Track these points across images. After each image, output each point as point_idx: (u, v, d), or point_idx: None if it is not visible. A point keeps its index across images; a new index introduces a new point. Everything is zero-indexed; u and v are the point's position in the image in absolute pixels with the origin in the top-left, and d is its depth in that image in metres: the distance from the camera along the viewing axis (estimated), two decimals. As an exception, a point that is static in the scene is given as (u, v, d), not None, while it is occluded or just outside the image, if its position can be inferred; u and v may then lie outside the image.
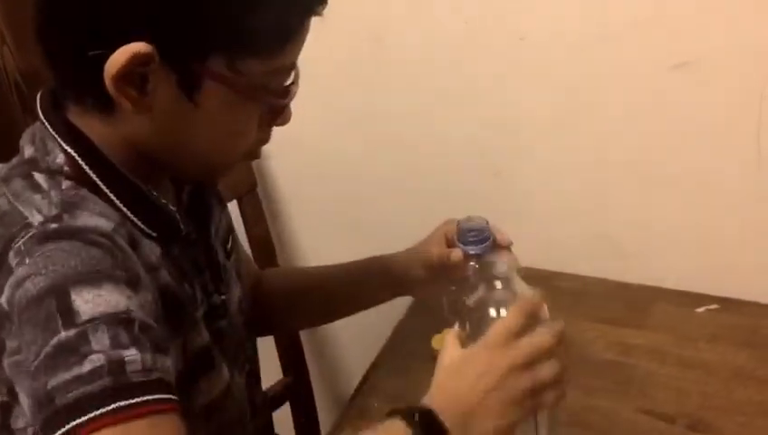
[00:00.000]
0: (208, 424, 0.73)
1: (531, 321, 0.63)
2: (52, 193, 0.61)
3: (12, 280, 0.56)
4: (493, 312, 0.67)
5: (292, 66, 0.65)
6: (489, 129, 1.10)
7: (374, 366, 1.00)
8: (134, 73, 0.57)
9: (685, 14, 0.93)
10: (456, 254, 0.78)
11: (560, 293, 1.08)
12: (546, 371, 0.62)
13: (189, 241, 0.71)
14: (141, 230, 0.65)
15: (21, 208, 0.60)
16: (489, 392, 0.61)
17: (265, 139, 0.69)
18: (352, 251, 1.32)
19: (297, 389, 1.29)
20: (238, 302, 0.81)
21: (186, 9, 0.57)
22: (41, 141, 0.64)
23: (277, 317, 0.97)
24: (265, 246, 1.26)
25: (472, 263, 0.79)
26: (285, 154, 1.26)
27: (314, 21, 0.63)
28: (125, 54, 0.56)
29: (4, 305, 0.56)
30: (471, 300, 0.71)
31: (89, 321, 0.53)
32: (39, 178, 0.62)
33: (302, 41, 0.63)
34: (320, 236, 1.35)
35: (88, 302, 0.54)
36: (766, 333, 0.95)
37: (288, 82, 0.65)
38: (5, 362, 0.57)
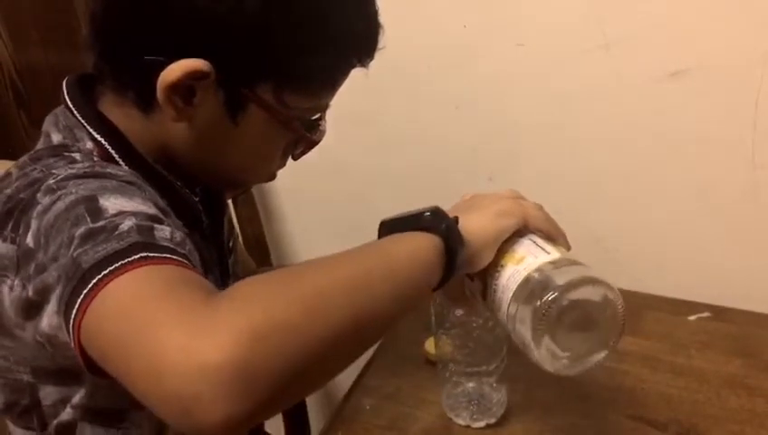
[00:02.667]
0: None
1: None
2: (86, 162, 0.61)
3: (40, 208, 0.55)
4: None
5: (327, 107, 0.69)
6: (485, 133, 1.11)
7: (367, 367, 1.00)
8: (185, 86, 0.59)
9: (680, 23, 0.94)
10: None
11: (553, 298, 1.08)
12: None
13: (206, 235, 0.72)
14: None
15: (54, 172, 0.59)
16: (488, 205, 0.66)
17: (283, 165, 0.73)
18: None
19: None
20: None
21: (253, 39, 0.59)
22: (67, 129, 0.64)
23: None
24: (259, 245, 1.26)
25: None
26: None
27: None
28: (184, 68, 0.57)
29: (29, 243, 0.54)
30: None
31: (117, 214, 0.52)
32: (72, 155, 0.62)
33: (341, 85, 0.68)
34: (314, 237, 1.35)
35: (116, 204, 0.53)
36: (758, 342, 0.95)
37: (317, 117, 0.69)
38: (31, 286, 0.53)
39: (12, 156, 0.68)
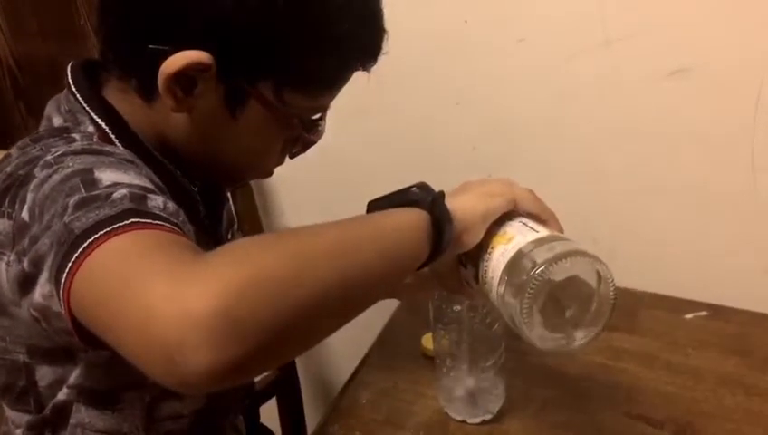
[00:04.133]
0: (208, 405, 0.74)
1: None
2: (85, 141, 0.61)
3: (36, 182, 0.55)
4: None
5: (327, 107, 0.69)
6: (484, 129, 1.10)
7: (363, 363, 1.00)
8: (186, 76, 0.59)
9: (681, 22, 0.94)
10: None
11: (550, 295, 1.08)
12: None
13: (203, 226, 0.71)
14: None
15: (53, 148, 0.59)
16: (477, 187, 0.66)
17: (281, 162, 0.73)
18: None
19: (285, 384, 1.29)
20: None
21: (256, 35, 0.58)
22: (69, 113, 0.64)
23: None
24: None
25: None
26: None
27: None
28: (185, 59, 0.57)
29: (24, 216, 0.54)
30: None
31: (112, 185, 0.52)
32: (72, 135, 0.62)
33: (342, 87, 0.68)
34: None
35: (111, 178, 0.53)
36: (755, 341, 0.96)
37: (317, 117, 0.68)
38: (26, 259, 0.53)
39: (10, 146, 0.68)
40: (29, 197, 0.54)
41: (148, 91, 0.62)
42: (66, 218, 0.49)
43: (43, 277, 0.51)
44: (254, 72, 0.61)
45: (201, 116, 0.63)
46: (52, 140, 0.61)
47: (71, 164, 0.55)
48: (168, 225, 0.50)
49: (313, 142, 0.72)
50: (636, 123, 1.01)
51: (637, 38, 0.96)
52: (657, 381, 0.91)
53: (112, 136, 0.63)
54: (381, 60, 1.18)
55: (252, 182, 1.25)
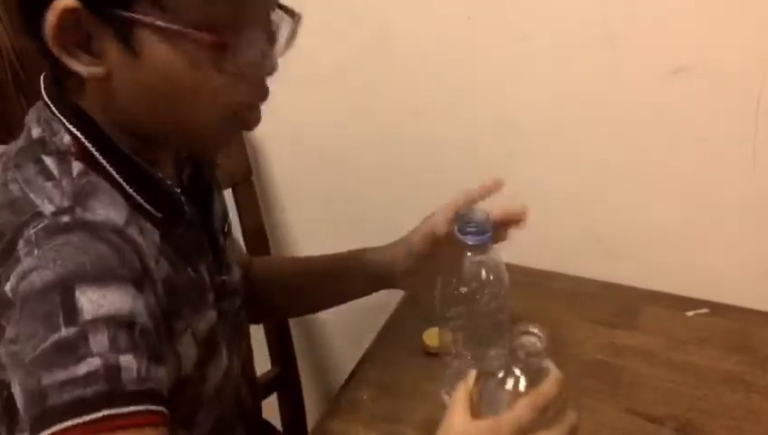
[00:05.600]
0: (214, 407, 0.74)
1: (542, 416, 0.63)
2: (64, 182, 0.61)
3: (19, 269, 0.56)
4: (510, 383, 0.67)
5: (243, 6, 0.59)
6: (486, 126, 1.10)
7: (364, 359, 1.00)
8: (73, 33, 0.56)
9: (684, 20, 0.93)
10: (440, 228, 0.81)
11: (552, 292, 1.08)
12: None
13: (192, 223, 0.71)
14: (147, 212, 0.65)
15: (32, 197, 0.60)
16: None
17: (248, 98, 0.64)
18: (345, 245, 1.32)
19: (285, 380, 1.29)
20: (238, 284, 0.82)
21: None
22: (45, 123, 0.64)
23: (261, 305, 0.95)
24: (258, 235, 1.26)
25: (469, 254, 0.80)
26: (282, 144, 1.26)
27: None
28: (54, 13, 0.55)
29: (8, 293, 0.56)
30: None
31: (90, 321, 0.53)
32: (49, 162, 0.62)
33: None
34: (313, 229, 1.35)
35: (92, 301, 0.54)
36: (756, 338, 0.96)
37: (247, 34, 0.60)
38: (2, 348, 0.56)
39: (10, 140, 0.68)
40: (12, 279, 0.56)
41: (69, 73, 0.60)
42: (41, 371, 0.52)
43: (15, 394, 0.54)
44: None
45: (118, 74, 0.59)
46: (32, 172, 0.61)
47: (51, 265, 0.55)
48: (142, 410, 0.52)
49: (262, 72, 0.63)
50: (637, 121, 1.01)
51: (639, 36, 0.96)
52: (657, 379, 0.91)
53: (88, 145, 0.62)
54: (382, 57, 1.18)
55: (254, 176, 1.25)
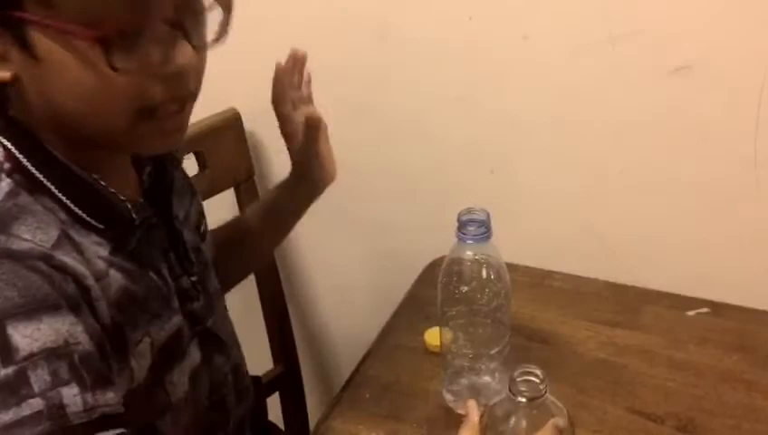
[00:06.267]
0: (182, 414, 0.72)
1: None
2: None
3: None
4: (511, 426, 0.68)
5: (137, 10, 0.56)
6: (487, 125, 1.11)
7: (366, 358, 1.00)
8: None
9: (685, 19, 0.94)
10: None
11: (552, 292, 1.09)
12: None
13: (150, 225, 0.69)
14: (88, 224, 0.63)
15: None
16: None
17: (159, 96, 0.60)
18: (348, 242, 1.33)
19: (287, 379, 1.30)
20: (214, 283, 0.81)
21: None
22: None
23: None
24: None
25: (469, 253, 0.80)
26: (284, 144, 1.26)
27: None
28: None
29: None
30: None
31: (27, 357, 0.52)
32: None
33: None
34: (315, 227, 1.34)
35: (26, 337, 0.53)
36: (756, 338, 0.96)
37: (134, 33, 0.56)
38: None
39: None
40: None
41: None
42: None
43: None
44: None
45: (26, 79, 0.58)
46: None
47: None
48: None
49: (166, 69, 0.59)
50: (639, 120, 1.02)
51: (640, 35, 0.96)
52: (658, 378, 0.91)
53: (20, 157, 0.60)
54: (384, 55, 1.18)
55: (257, 176, 1.25)
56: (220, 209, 1.31)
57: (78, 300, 0.57)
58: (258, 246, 1.04)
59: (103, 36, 0.55)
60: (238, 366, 0.85)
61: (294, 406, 1.32)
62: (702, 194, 1.03)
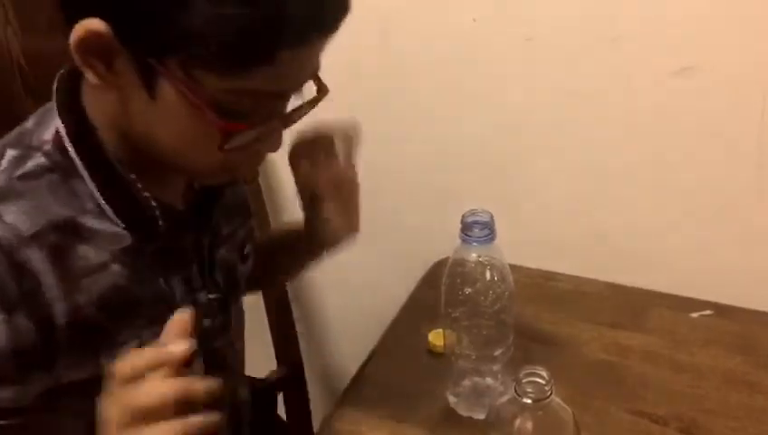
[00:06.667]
0: None
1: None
2: (2, 177, 0.61)
3: None
4: (516, 427, 0.68)
5: (273, 94, 0.61)
6: (492, 127, 1.11)
7: (369, 359, 1.00)
8: (97, 49, 0.57)
9: (690, 20, 0.94)
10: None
11: (557, 292, 1.09)
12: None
13: (179, 236, 0.70)
14: (109, 219, 0.64)
15: None
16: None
17: (247, 163, 0.66)
18: (354, 246, 1.33)
19: (291, 379, 1.30)
20: (239, 306, 0.81)
21: (148, 2, 0.54)
22: (42, 115, 0.65)
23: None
24: (265, 234, 1.26)
25: (473, 254, 0.80)
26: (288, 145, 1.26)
27: None
28: (81, 28, 0.56)
29: None
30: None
31: None
32: (10, 153, 0.63)
33: (286, 72, 0.59)
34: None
35: None
36: (759, 340, 0.96)
37: (266, 109, 0.61)
38: None
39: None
40: None
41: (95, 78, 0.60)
42: None
43: None
44: (152, 46, 0.56)
45: (128, 94, 0.60)
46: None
47: None
48: None
49: (263, 149, 0.65)
50: (642, 121, 1.02)
51: (644, 36, 0.96)
52: (661, 379, 0.91)
53: (66, 141, 0.63)
54: (390, 58, 1.19)
55: (262, 178, 1.26)
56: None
57: (16, 301, 0.59)
58: (270, 277, 1.03)
59: (230, 129, 0.59)
60: (235, 391, 0.84)
61: (298, 407, 1.32)
62: (705, 195, 1.03)
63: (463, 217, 0.80)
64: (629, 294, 1.07)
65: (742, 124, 0.96)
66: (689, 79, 0.96)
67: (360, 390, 0.95)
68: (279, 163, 1.28)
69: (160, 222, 0.67)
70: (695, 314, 1.02)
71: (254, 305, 1.24)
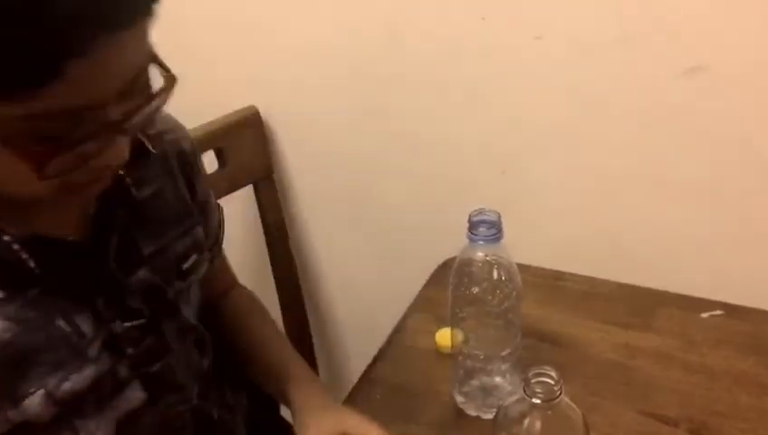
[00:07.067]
0: None
1: None
2: None
3: None
4: (525, 427, 0.67)
5: (83, 108, 0.52)
6: (499, 125, 1.10)
7: (376, 359, 1.00)
8: None
9: (697, 19, 0.93)
10: None
11: (566, 293, 1.08)
12: None
13: (69, 269, 0.65)
14: None
15: None
16: None
17: (94, 179, 0.59)
18: (359, 243, 1.33)
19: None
20: (180, 324, 0.77)
21: None
22: None
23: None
24: (279, 232, 1.27)
25: (480, 254, 0.80)
26: (302, 141, 1.26)
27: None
28: None
29: None
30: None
31: None
32: None
33: (88, 82, 0.51)
34: (327, 228, 1.35)
35: None
36: (771, 340, 0.95)
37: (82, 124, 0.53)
38: None
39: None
40: None
41: None
42: None
43: None
44: None
45: None
46: None
47: None
48: None
49: (103, 162, 0.56)
50: (651, 121, 1.01)
51: (652, 35, 0.95)
52: (671, 380, 0.90)
53: None
54: (396, 57, 1.18)
55: (275, 177, 1.26)
56: (239, 206, 1.32)
57: None
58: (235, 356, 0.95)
59: (38, 158, 0.52)
60: (200, 409, 0.81)
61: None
62: (715, 195, 1.02)
63: (470, 216, 0.79)
64: (639, 294, 1.06)
65: (752, 123, 0.96)
66: (699, 78, 0.95)
67: (367, 389, 0.94)
68: (293, 158, 1.29)
69: (31, 264, 0.62)
70: (705, 315, 1.01)
71: (269, 305, 1.25)
